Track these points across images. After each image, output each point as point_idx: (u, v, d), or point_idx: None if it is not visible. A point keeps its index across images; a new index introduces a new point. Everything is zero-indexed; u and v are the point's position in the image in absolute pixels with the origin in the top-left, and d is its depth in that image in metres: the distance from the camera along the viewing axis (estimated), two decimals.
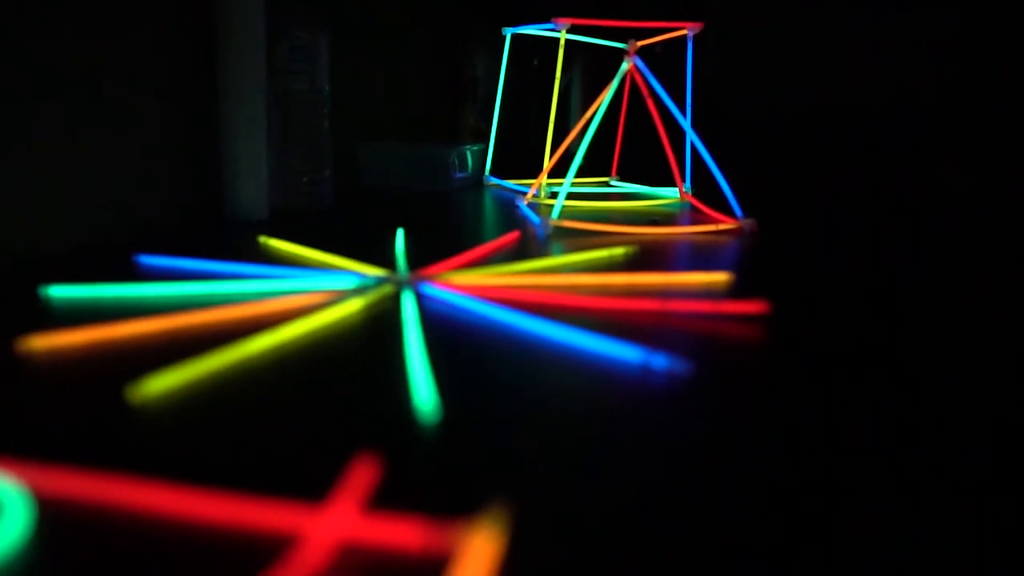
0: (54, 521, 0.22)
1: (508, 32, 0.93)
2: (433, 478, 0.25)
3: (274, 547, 0.20)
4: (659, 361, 0.35)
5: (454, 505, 0.22)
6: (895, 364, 0.38)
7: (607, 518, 0.23)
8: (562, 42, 0.82)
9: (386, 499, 0.23)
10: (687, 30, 0.81)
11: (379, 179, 0.93)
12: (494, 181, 0.96)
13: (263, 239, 0.59)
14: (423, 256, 0.54)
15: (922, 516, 0.24)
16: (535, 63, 1.28)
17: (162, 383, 0.31)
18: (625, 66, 0.73)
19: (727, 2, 1.45)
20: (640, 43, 0.81)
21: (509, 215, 0.78)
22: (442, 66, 1.16)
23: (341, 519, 0.21)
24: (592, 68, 1.35)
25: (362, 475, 0.23)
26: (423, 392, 0.31)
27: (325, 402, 0.31)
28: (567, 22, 0.79)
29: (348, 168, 0.90)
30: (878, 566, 0.21)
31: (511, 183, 0.95)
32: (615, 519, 0.23)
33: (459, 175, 0.93)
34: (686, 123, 0.76)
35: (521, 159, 1.13)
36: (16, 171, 0.51)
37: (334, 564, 0.20)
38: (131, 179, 0.61)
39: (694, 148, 0.78)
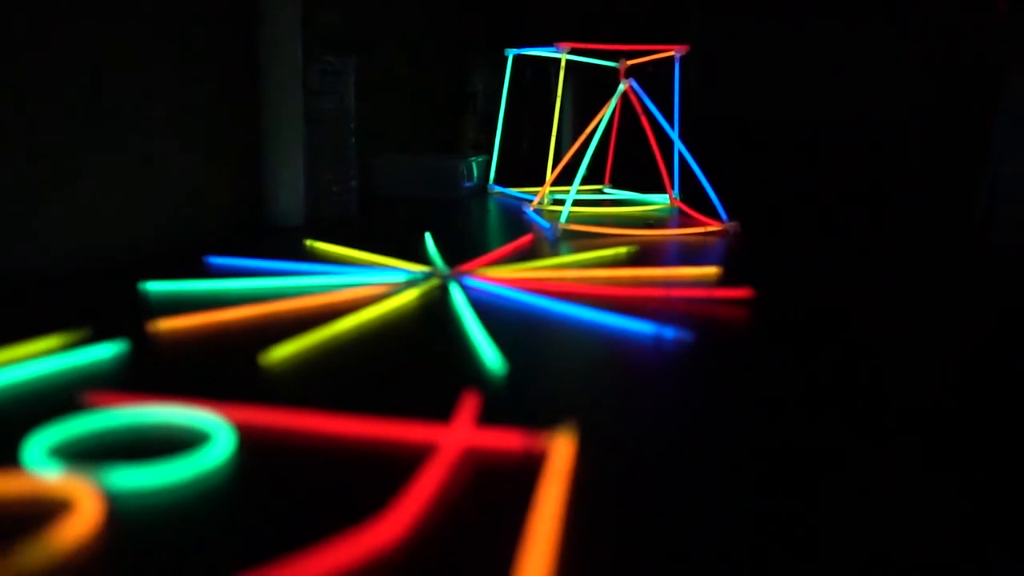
0: (251, 444, 0.30)
1: (511, 53, 1.02)
2: (516, 406, 0.34)
3: (418, 453, 0.29)
4: (669, 332, 0.44)
5: (536, 422, 0.31)
6: (859, 334, 0.47)
7: (637, 430, 0.32)
8: (563, 64, 0.91)
9: (488, 419, 0.31)
10: (675, 52, 0.90)
11: (392, 189, 1.01)
12: (498, 189, 1.05)
13: (309, 242, 0.67)
14: (452, 255, 0.63)
15: (890, 465, 0.33)
16: (527, 77, 1.37)
17: (285, 350, 0.39)
18: (622, 87, 0.82)
19: (711, 25, 1.56)
20: (630, 62, 0.91)
21: (516, 220, 0.87)
22: (442, 82, 1.24)
23: (463, 432, 0.29)
24: (581, 80, 1.44)
25: (468, 404, 0.32)
26: (490, 353, 0.39)
27: (419, 362, 0.39)
28: (568, 46, 0.88)
29: (364, 179, 0.98)
30: (851, 507, 0.30)
31: (513, 191, 1.03)
32: (642, 432, 0.32)
33: (466, 184, 1.02)
34: (674, 134, 0.85)
35: (516, 168, 1.22)
36: (101, 187, 0.59)
37: (462, 462, 0.28)
38: (189, 192, 0.69)
39: (682, 157, 0.87)
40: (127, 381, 0.36)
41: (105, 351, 0.39)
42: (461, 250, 0.66)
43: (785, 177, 1.44)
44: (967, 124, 1.39)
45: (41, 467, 0.27)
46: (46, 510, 0.25)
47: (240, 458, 0.29)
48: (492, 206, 0.98)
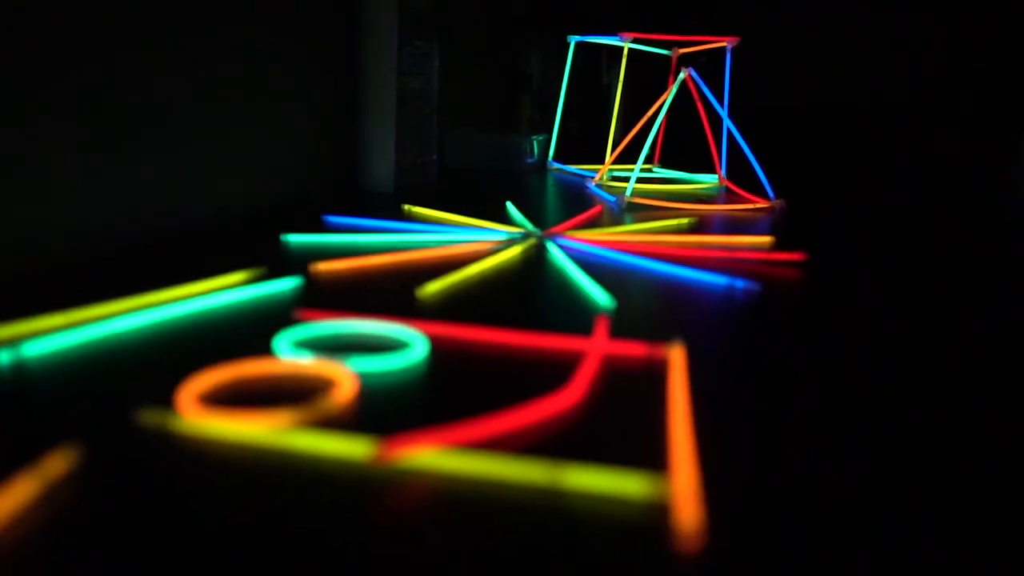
0: (439, 348, 0.39)
1: (573, 40, 1.10)
2: (632, 327, 0.43)
3: (571, 358, 0.38)
4: (739, 283, 0.53)
5: (650, 338, 0.40)
6: (892, 289, 0.56)
7: (725, 347, 0.41)
8: (625, 52, 0.99)
9: (615, 335, 0.41)
10: (726, 43, 0.98)
11: (461, 161, 1.10)
12: (557, 166, 1.14)
13: (407, 206, 0.76)
14: (533, 221, 0.72)
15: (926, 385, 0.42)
16: (578, 62, 1.45)
17: (434, 287, 0.49)
18: (683, 75, 0.90)
19: (744, 11, 1.63)
20: (682, 51, 0.99)
21: (578, 193, 0.96)
22: (502, 63, 1.33)
23: (602, 342, 0.39)
24: (630, 66, 1.52)
25: (602, 324, 0.41)
26: (599, 294, 0.49)
27: (538, 300, 0.49)
28: (631, 36, 0.96)
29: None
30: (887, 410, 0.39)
31: (571, 167, 1.12)
32: (729, 348, 0.41)
33: (528, 160, 1.11)
34: (726, 116, 0.94)
35: (567, 147, 1.30)
36: (237, 155, 0.69)
37: (603, 364, 0.38)
38: (305, 161, 0.78)
39: (731, 139, 0.96)
40: (317, 305, 0.46)
41: (288, 284, 0.49)
42: (537, 217, 0.75)
43: (822, 160, 1.52)
44: (1007, 103, 1.46)
45: (296, 356, 0.37)
46: (315, 383, 0.34)
47: (435, 358, 0.38)
48: (552, 180, 1.06)
